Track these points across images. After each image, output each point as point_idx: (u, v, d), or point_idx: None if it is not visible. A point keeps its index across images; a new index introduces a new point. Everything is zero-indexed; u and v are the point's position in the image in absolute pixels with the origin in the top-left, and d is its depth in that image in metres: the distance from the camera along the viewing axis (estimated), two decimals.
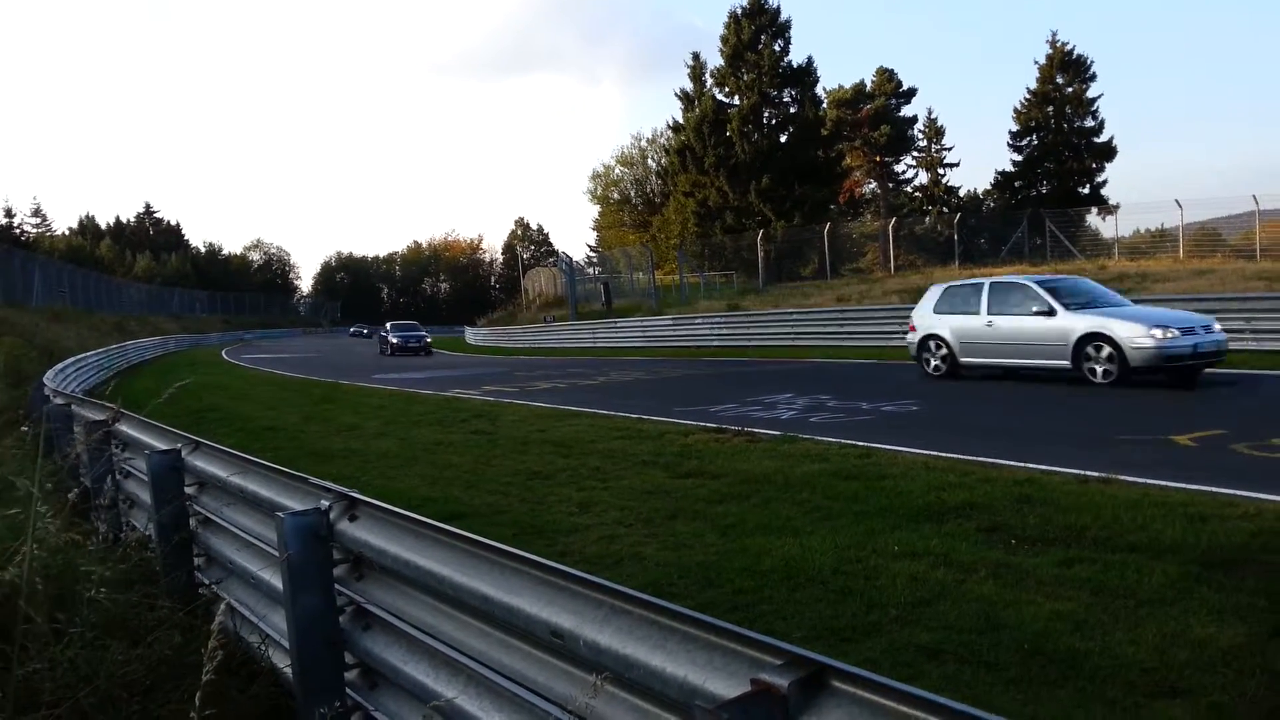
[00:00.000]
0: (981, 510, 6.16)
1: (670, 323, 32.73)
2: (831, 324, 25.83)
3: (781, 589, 4.93)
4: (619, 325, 35.74)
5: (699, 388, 17.12)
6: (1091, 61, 48.04)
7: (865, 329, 24.54)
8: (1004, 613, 4.35)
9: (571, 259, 53.12)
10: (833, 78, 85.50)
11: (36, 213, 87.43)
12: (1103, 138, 48.16)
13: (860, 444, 8.97)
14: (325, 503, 3.27)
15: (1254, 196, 27.76)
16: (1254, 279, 22.30)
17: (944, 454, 8.18)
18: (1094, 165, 48.27)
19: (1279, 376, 13.23)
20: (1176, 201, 29.76)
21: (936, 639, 4.13)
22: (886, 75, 59.93)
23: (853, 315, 25.77)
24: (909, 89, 60.02)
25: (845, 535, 5.80)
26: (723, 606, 4.64)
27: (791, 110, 47.24)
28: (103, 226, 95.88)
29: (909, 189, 62.17)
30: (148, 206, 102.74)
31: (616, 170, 77.22)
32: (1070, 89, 48.11)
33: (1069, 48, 48.10)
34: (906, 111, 59.90)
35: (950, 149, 61.35)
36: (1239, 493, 6.21)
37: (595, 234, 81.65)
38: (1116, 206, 39.31)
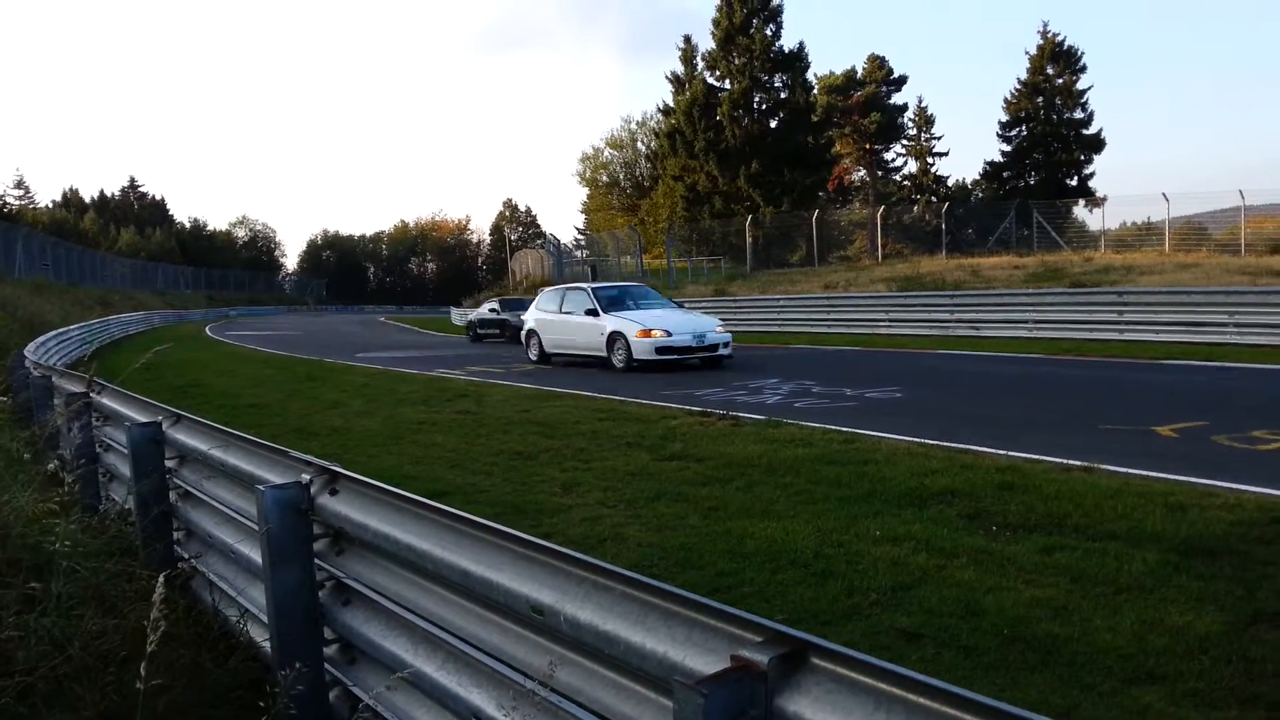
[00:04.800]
0: (964, 497, 6.18)
1: None
2: (818, 311, 25.87)
3: (763, 571, 4.94)
4: None
5: (684, 372, 17.10)
6: (1082, 53, 48.13)
7: (852, 316, 24.61)
8: (984, 598, 4.37)
9: (559, 241, 53.07)
10: (824, 64, 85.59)
11: (19, 185, 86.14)
12: (1092, 130, 48.21)
13: (844, 429, 8.98)
14: (306, 476, 3.25)
15: (1240, 192, 27.78)
16: (1237, 274, 22.41)
17: (927, 440, 8.20)
18: (1082, 157, 48.35)
19: (1265, 371, 13.31)
20: (1163, 194, 29.65)
21: (916, 623, 4.15)
22: (878, 62, 59.81)
23: (840, 302, 25.80)
24: (900, 77, 59.94)
25: (828, 520, 5.81)
26: (704, 588, 4.64)
27: (782, 95, 46.99)
28: (87, 200, 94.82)
29: (898, 177, 62.22)
30: (132, 180, 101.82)
31: (606, 153, 77.06)
32: (1060, 80, 48.12)
33: (1060, 38, 48.14)
34: (897, 99, 59.83)
35: (940, 138, 61.59)
36: (1218, 483, 6.26)
37: (583, 217, 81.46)
38: (1104, 199, 39.26)
